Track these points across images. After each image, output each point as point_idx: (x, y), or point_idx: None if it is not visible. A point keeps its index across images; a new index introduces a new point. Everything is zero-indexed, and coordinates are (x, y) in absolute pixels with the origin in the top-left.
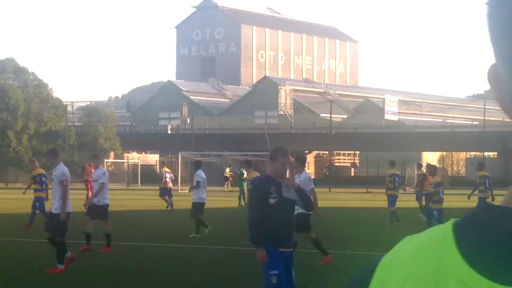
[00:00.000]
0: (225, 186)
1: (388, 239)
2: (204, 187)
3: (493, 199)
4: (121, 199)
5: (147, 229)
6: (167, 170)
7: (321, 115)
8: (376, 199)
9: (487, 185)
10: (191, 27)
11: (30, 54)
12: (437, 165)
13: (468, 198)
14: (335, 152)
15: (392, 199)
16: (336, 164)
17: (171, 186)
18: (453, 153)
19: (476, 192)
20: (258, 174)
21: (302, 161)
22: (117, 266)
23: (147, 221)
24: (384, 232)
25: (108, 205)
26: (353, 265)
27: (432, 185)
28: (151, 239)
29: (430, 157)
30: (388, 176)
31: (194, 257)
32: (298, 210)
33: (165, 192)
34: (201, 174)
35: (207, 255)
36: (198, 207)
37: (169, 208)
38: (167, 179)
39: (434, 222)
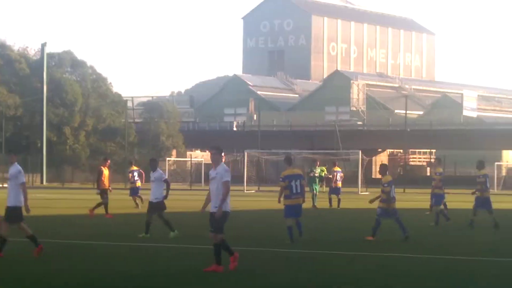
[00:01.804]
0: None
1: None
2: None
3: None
4: (184, 199)
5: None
6: (135, 168)
7: (396, 111)
8: (454, 200)
9: (488, 185)
10: (259, 18)
11: (89, 47)
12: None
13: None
14: (410, 150)
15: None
16: (411, 163)
17: (139, 185)
18: None
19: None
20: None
21: None
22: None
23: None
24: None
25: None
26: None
27: (385, 184)
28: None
29: (511, 156)
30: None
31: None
32: (217, 207)
33: (135, 192)
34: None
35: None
36: (153, 206)
37: (137, 207)
38: (136, 178)
39: (381, 220)
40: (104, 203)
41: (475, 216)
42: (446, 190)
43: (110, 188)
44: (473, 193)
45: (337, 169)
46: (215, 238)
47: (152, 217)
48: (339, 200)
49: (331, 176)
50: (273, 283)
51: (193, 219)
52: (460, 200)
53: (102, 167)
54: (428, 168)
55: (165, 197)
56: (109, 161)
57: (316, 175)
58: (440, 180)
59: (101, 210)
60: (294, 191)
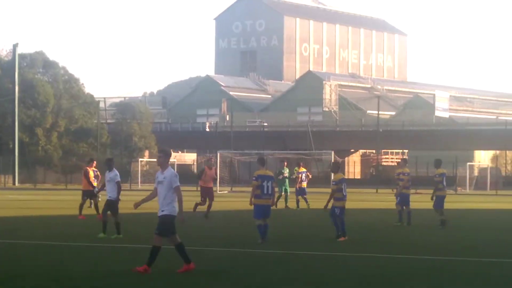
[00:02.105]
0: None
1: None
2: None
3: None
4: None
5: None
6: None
7: (368, 111)
8: (426, 200)
9: (445, 184)
10: (231, 19)
11: (61, 48)
12: (490, 165)
13: (432, 199)
14: (382, 151)
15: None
16: (384, 163)
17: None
18: (507, 152)
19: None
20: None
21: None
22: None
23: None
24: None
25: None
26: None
27: (333, 182)
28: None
29: (483, 156)
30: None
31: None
32: (163, 211)
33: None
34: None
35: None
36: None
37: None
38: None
39: (337, 219)
40: (95, 203)
41: (444, 215)
42: (419, 191)
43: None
44: (432, 198)
45: (302, 169)
46: (156, 240)
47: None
48: (305, 200)
49: (294, 177)
50: (248, 284)
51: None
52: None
53: (87, 168)
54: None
55: (117, 198)
56: (95, 162)
57: (286, 175)
58: (408, 180)
59: (92, 211)
60: (265, 191)
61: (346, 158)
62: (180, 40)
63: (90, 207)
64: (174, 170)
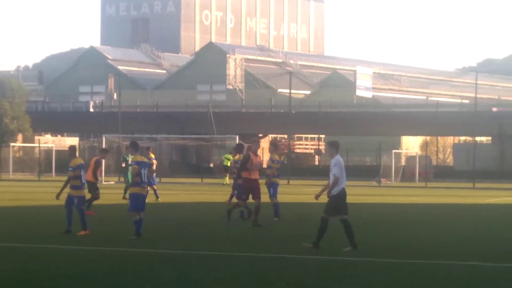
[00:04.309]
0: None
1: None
2: None
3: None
4: (31, 191)
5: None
6: None
7: (279, 90)
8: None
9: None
10: None
11: None
12: (419, 152)
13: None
14: (295, 136)
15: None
16: (297, 150)
17: None
18: (439, 138)
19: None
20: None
21: None
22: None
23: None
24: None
25: None
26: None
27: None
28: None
29: (411, 143)
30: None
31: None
32: None
33: None
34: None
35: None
36: None
37: None
38: None
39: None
40: (95, 198)
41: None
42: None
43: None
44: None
45: (152, 156)
46: None
47: None
48: (155, 191)
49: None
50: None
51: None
52: (354, 193)
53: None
54: (317, 157)
55: None
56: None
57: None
58: (277, 169)
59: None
60: (143, 179)
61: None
62: (60, 5)
63: None
64: (52, 157)
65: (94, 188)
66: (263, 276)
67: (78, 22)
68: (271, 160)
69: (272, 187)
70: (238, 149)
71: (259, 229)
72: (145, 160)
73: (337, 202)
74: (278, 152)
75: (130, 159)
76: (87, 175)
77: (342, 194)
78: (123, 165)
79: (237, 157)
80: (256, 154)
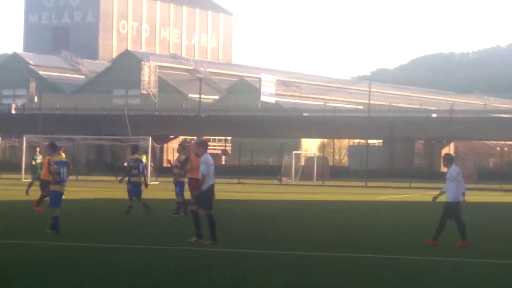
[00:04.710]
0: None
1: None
2: None
3: (146, 185)
4: None
5: None
6: None
7: (190, 95)
8: (249, 190)
9: (141, 169)
10: None
11: None
12: (317, 154)
13: (120, 182)
14: (204, 137)
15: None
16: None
17: None
18: (335, 140)
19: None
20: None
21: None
22: None
23: None
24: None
25: None
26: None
27: (132, 160)
28: None
29: (310, 145)
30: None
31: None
32: None
33: None
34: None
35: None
36: None
37: None
38: None
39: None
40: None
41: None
42: (242, 180)
43: None
44: (120, 181)
45: (63, 155)
46: None
47: None
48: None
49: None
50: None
51: None
52: (257, 191)
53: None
54: (223, 157)
55: None
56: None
57: (38, 161)
58: (135, 167)
59: None
60: (63, 177)
61: (166, 145)
62: None
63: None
64: None
65: (47, 185)
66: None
67: (1, 29)
68: (178, 160)
69: (178, 186)
70: (134, 149)
71: (153, 224)
72: (64, 159)
73: (206, 197)
74: (187, 152)
75: (39, 158)
76: (42, 174)
77: (210, 189)
78: (33, 163)
79: (183, 157)
80: (197, 156)
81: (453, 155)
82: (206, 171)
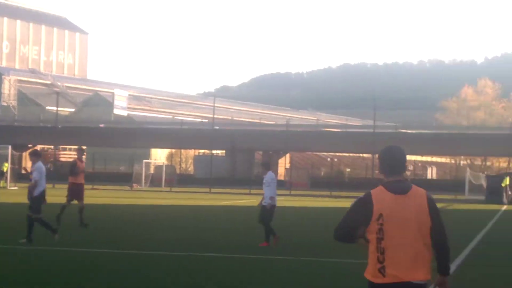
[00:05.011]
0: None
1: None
2: None
3: None
4: None
5: None
6: None
7: (47, 107)
8: (103, 195)
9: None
10: None
11: None
12: (165, 162)
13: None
14: (61, 146)
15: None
16: (62, 159)
17: None
18: (182, 150)
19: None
20: None
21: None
22: None
23: None
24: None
25: None
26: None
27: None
28: None
29: (159, 154)
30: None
31: None
32: None
33: None
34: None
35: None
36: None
37: None
38: None
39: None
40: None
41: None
42: (96, 186)
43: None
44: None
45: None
46: None
47: None
48: None
49: None
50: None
51: None
52: (109, 195)
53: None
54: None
55: None
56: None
57: None
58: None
59: None
60: None
61: (24, 153)
62: None
63: None
64: None
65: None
66: None
67: None
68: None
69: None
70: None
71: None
72: None
73: (39, 202)
74: (45, 160)
75: None
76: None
77: (42, 195)
78: None
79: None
80: (82, 161)
81: (269, 161)
82: (38, 177)
